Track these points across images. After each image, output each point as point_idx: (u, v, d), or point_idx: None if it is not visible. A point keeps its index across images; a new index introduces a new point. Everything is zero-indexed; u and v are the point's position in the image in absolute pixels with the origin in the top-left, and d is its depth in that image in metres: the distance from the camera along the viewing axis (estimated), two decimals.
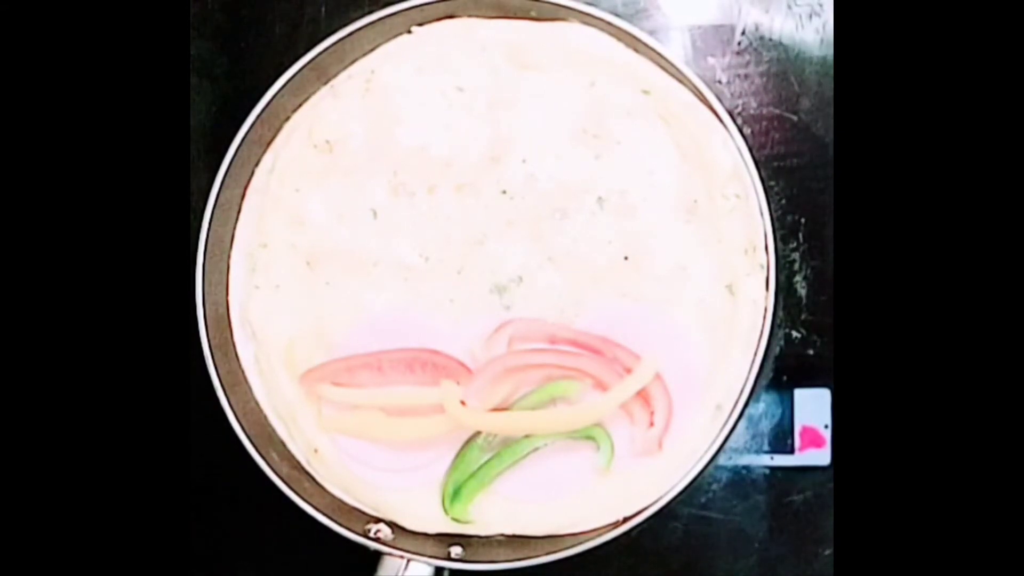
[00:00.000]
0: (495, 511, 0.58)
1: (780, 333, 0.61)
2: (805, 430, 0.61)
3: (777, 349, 0.61)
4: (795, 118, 0.62)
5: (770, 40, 0.63)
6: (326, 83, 0.61)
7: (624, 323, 0.58)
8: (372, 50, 0.61)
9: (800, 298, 0.62)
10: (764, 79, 0.62)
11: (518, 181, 0.59)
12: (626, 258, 0.58)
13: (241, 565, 0.64)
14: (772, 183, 0.61)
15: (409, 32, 0.61)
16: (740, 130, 0.58)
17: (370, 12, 0.59)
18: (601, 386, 0.57)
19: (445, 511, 0.58)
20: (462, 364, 0.57)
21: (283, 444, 0.61)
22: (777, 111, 0.62)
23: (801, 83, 0.62)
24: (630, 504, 0.57)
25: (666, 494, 0.57)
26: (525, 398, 0.57)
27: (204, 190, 0.59)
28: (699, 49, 0.63)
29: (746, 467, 0.62)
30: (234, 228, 0.62)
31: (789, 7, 0.62)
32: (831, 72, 0.61)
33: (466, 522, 0.58)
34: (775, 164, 0.61)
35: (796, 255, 0.61)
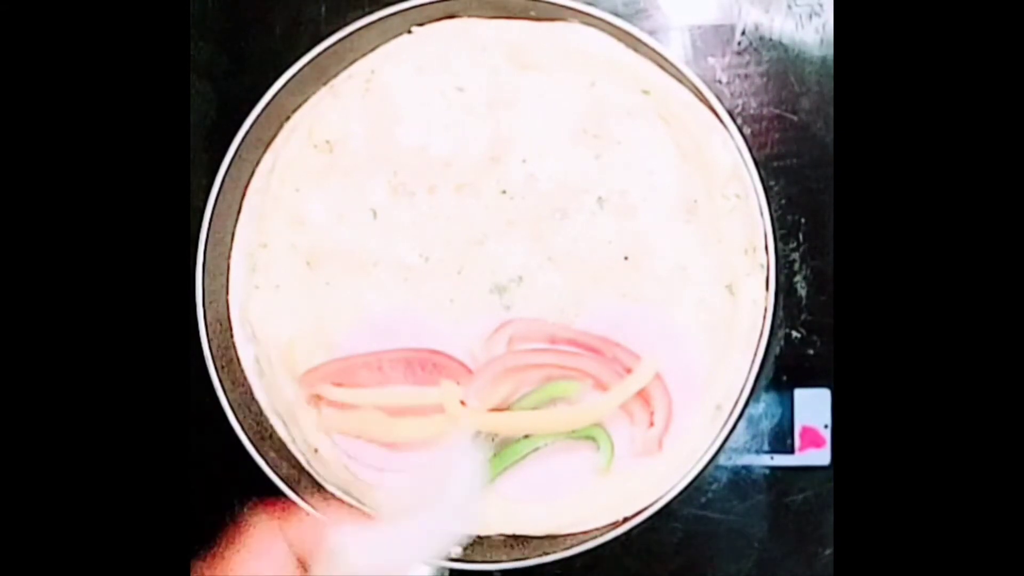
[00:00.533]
0: (495, 511, 0.58)
1: (780, 333, 0.61)
2: (805, 430, 0.61)
3: (777, 349, 0.61)
4: (795, 118, 0.62)
5: (770, 40, 0.63)
6: (326, 83, 0.61)
7: (624, 323, 0.58)
8: (372, 50, 0.61)
9: (800, 298, 0.61)
10: (764, 79, 0.62)
11: (518, 181, 0.59)
12: (626, 258, 0.58)
13: None
14: (772, 183, 0.61)
15: (409, 32, 0.61)
16: (740, 130, 0.58)
17: (370, 12, 0.59)
18: (601, 386, 0.57)
19: None
20: (462, 364, 0.57)
21: (283, 444, 0.61)
22: (777, 111, 0.62)
23: (801, 83, 0.62)
24: (630, 504, 0.57)
25: (666, 494, 0.57)
26: (525, 398, 0.57)
27: (204, 190, 0.59)
28: (699, 49, 0.62)
29: (746, 467, 0.62)
30: (234, 228, 0.62)
31: (789, 7, 0.62)
32: (831, 72, 0.61)
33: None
34: (775, 164, 0.61)
35: (796, 255, 0.61)
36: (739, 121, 0.59)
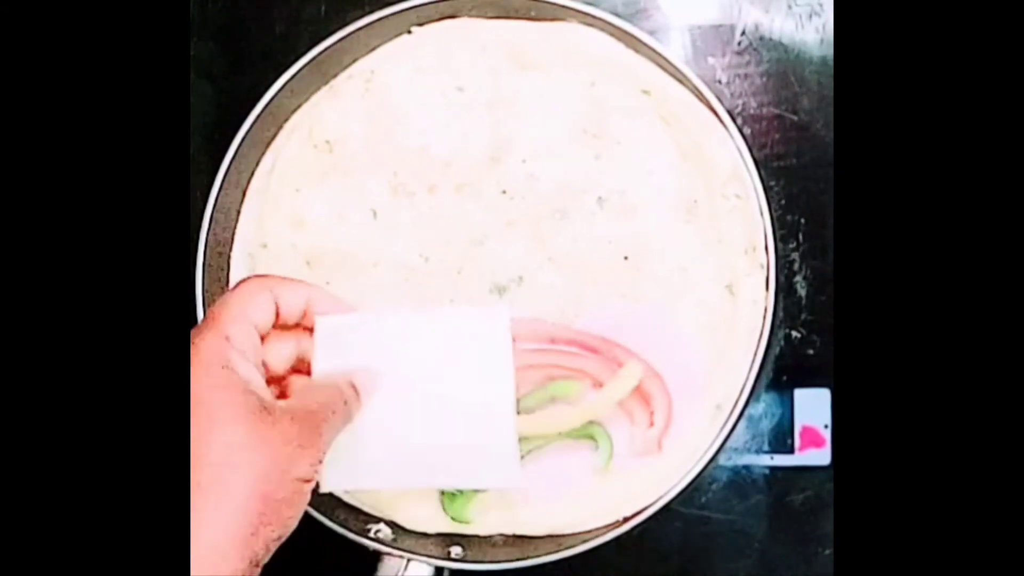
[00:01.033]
0: (495, 511, 0.58)
1: (780, 333, 0.61)
2: (805, 430, 0.61)
3: (777, 349, 0.61)
4: (795, 118, 0.62)
5: (770, 40, 0.63)
6: (326, 83, 0.61)
7: (624, 323, 0.58)
8: (372, 50, 0.61)
9: (800, 298, 0.62)
10: (764, 79, 0.62)
11: (518, 181, 0.59)
12: (626, 258, 0.58)
13: None
14: (772, 183, 0.61)
15: (409, 32, 0.61)
16: (740, 130, 0.58)
17: (370, 12, 0.59)
18: (600, 386, 0.57)
19: (445, 511, 0.58)
20: None
21: None
22: (777, 111, 0.62)
23: (801, 83, 0.62)
24: (630, 504, 0.57)
25: (666, 494, 0.57)
26: (525, 398, 0.57)
27: (204, 190, 0.59)
28: (699, 49, 0.62)
29: (746, 467, 0.62)
30: (234, 228, 0.62)
31: (789, 7, 0.62)
32: (831, 72, 0.61)
33: (466, 522, 0.58)
34: (775, 164, 0.61)
35: (796, 255, 0.61)
36: (739, 121, 0.59)
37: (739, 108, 0.62)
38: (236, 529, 0.42)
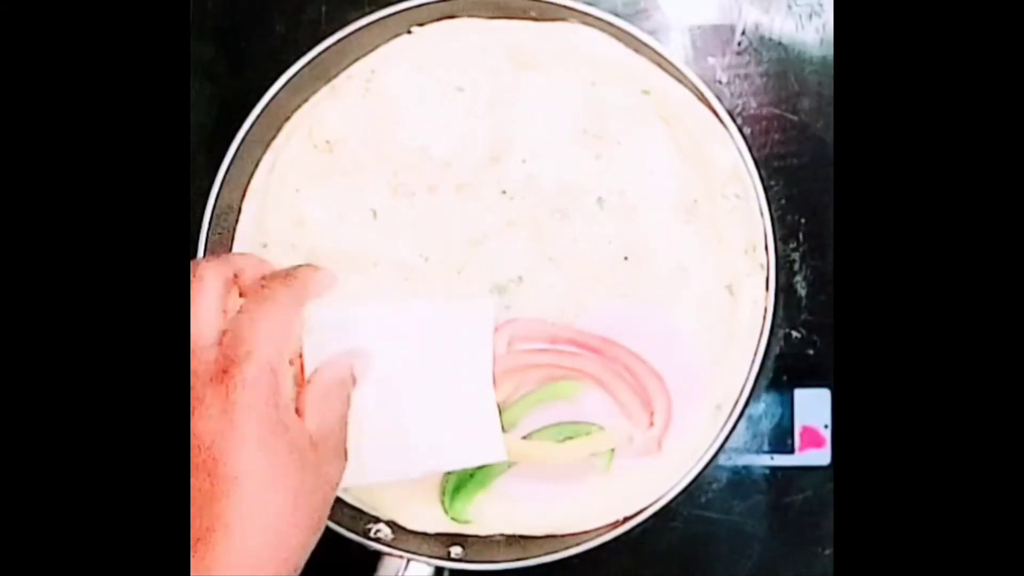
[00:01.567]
0: (495, 511, 0.58)
1: (780, 333, 0.61)
2: (805, 430, 0.61)
3: (777, 349, 0.61)
4: (795, 118, 0.62)
5: (770, 40, 0.63)
6: (326, 83, 0.61)
7: (624, 323, 0.58)
8: (372, 50, 0.61)
9: (800, 298, 0.62)
10: (764, 79, 0.62)
11: (518, 181, 0.59)
12: (626, 258, 0.58)
13: None
14: (772, 183, 0.61)
15: (409, 32, 0.61)
16: (740, 130, 0.58)
17: (370, 12, 0.59)
18: (601, 385, 0.57)
19: (445, 511, 0.58)
20: None
21: None
22: (777, 111, 0.62)
23: (801, 83, 0.62)
24: (630, 504, 0.57)
25: (666, 494, 0.57)
26: (525, 398, 0.57)
27: (204, 191, 0.59)
28: (699, 49, 0.63)
29: (746, 467, 0.62)
30: (234, 228, 0.62)
31: (789, 7, 0.62)
32: (831, 72, 0.61)
33: (466, 522, 0.58)
34: (775, 164, 0.61)
35: (796, 255, 0.61)
36: (739, 121, 0.59)
37: (739, 108, 0.62)
38: (277, 544, 0.44)
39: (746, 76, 0.62)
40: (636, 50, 0.59)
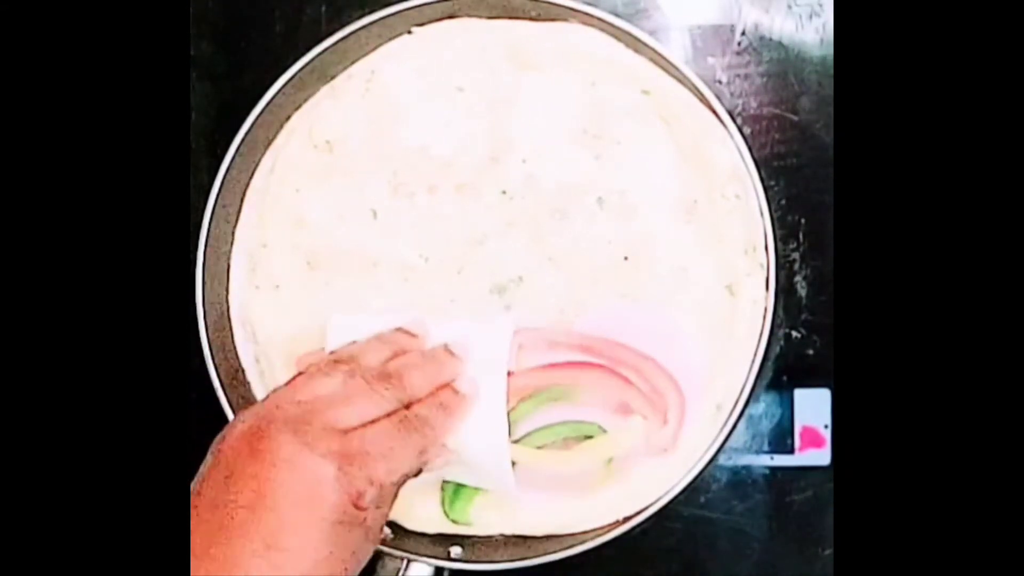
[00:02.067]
0: (495, 511, 0.58)
1: (780, 333, 0.61)
2: (805, 430, 0.61)
3: (777, 349, 0.61)
4: (795, 118, 0.62)
5: (770, 40, 0.63)
6: (326, 83, 0.61)
7: (624, 323, 0.58)
8: (372, 50, 0.61)
9: (800, 298, 0.61)
10: (764, 79, 0.62)
11: (518, 181, 0.59)
12: (626, 258, 0.58)
13: None
14: (772, 183, 0.60)
15: (409, 32, 0.61)
16: (740, 130, 0.58)
17: (370, 12, 0.59)
18: (610, 388, 0.57)
19: (445, 513, 0.58)
20: None
21: None
22: (777, 111, 0.62)
23: (801, 83, 0.62)
24: (630, 504, 0.57)
25: (666, 494, 0.57)
26: (525, 401, 0.57)
27: (204, 190, 0.59)
28: (699, 49, 0.62)
29: (746, 467, 0.62)
30: (234, 228, 0.62)
31: (789, 7, 0.62)
32: (831, 72, 0.61)
33: (466, 523, 0.58)
34: (775, 164, 0.61)
35: (796, 255, 0.61)
36: (739, 121, 0.59)
37: (739, 108, 0.62)
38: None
39: (746, 76, 0.62)
40: (636, 50, 0.59)
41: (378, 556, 0.57)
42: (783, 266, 0.60)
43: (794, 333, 0.61)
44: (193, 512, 0.43)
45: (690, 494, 0.57)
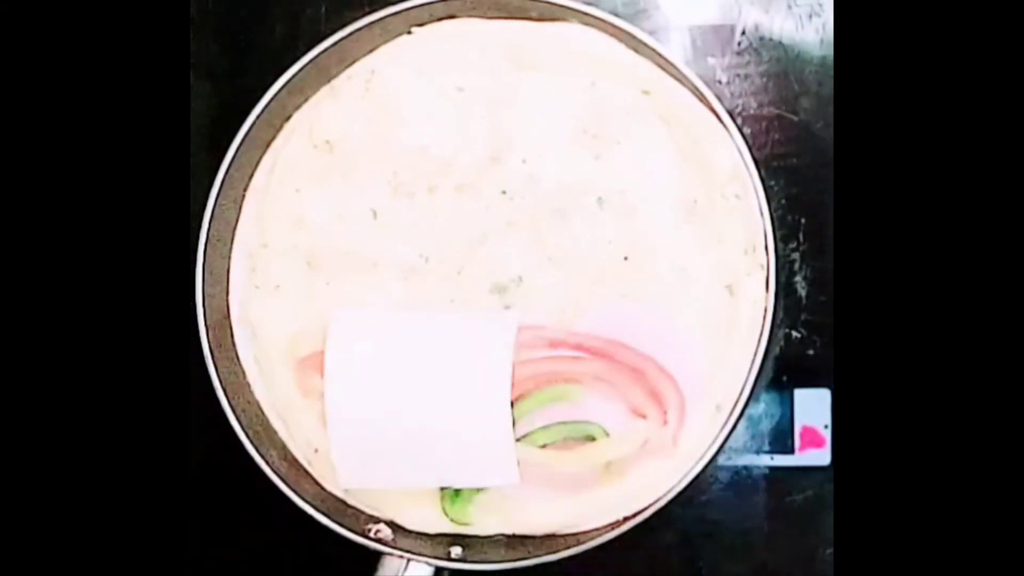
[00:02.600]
0: (495, 511, 0.58)
1: (780, 333, 0.61)
2: (805, 430, 0.61)
3: (777, 349, 0.61)
4: (795, 118, 0.62)
5: (770, 40, 0.63)
6: (326, 83, 0.61)
7: (624, 323, 0.58)
8: (372, 50, 0.61)
9: (800, 298, 0.61)
10: (764, 79, 0.62)
11: (518, 181, 0.59)
12: (626, 258, 0.58)
13: (241, 565, 0.64)
14: (772, 183, 0.60)
15: (409, 32, 0.61)
16: (740, 130, 0.58)
17: (370, 12, 0.59)
18: (609, 388, 0.57)
19: (445, 513, 0.58)
20: None
21: (283, 444, 0.61)
22: (777, 111, 0.62)
23: (801, 83, 0.62)
24: (630, 504, 0.57)
25: (666, 494, 0.57)
26: (524, 400, 0.57)
27: (204, 190, 0.59)
28: (699, 49, 0.62)
29: (746, 467, 0.62)
30: (234, 228, 0.62)
31: (789, 7, 0.62)
32: (831, 72, 0.61)
33: (466, 523, 0.58)
34: (775, 164, 0.61)
35: (796, 255, 0.61)
36: (739, 121, 0.59)
37: (739, 108, 0.62)
38: None
39: (746, 76, 0.62)
40: (636, 50, 0.59)
41: (378, 556, 0.57)
42: (783, 266, 0.60)
43: (794, 333, 0.61)
44: None
45: (690, 494, 0.57)
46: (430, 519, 0.59)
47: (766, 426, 0.62)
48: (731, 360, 0.57)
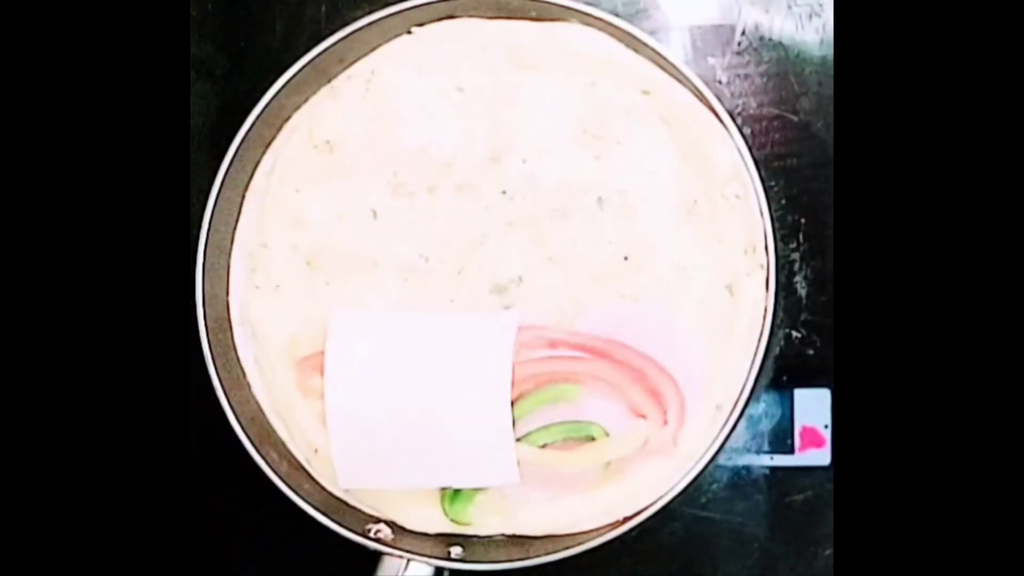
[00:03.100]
0: (495, 511, 0.58)
1: (780, 333, 0.61)
2: (805, 430, 0.61)
3: (777, 349, 0.61)
4: (795, 118, 0.62)
5: (770, 40, 0.63)
6: (326, 83, 0.61)
7: (624, 323, 0.58)
8: (372, 50, 0.61)
9: (800, 298, 0.62)
10: (764, 79, 0.62)
11: (518, 181, 0.59)
12: (626, 258, 0.58)
13: (241, 565, 0.64)
14: (772, 183, 0.61)
15: (409, 32, 0.61)
16: (740, 130, 0.58)
17: (370, 12, 0.59)
18: (610, 388, 0.57)
19: (445, 513, 0.58)
20: None
21: (283, 444, 0.61)
22: (777, 111, 0.62)
23: (801, 83, 0.62)
24: (630, 504, 0.57)
25: (666, 494, 0.57)
26: (524, 400, 0.57)
27: (204, 190, 0.59)
28: (699, 49, 0.62)
29: (746, 467, 0.62)
30: (234, 228, 0.62)
31: (789, 7, 0.62)
32: (831, 72, 0.61)
33: (466, 523, 0.58)
34: (775, 164, 0.61)
35: (796, 255, 0.61)
36: (739, 121, 0.59)
37: (739, 108, 0.62)
38: None
39: (746, 76, 0.62)
40: (636, 50, 0.59)
41: (378, 556, 0.57)
42: (783, 266, 0.60)
43: (794, 333, 0.61)
44: None
45: (690, 494, 0.57)
46: (430, 519, 0.59)
47: (766, 426, 0.62)
48: (731, 360, 0.57)
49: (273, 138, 0.62)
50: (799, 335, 0.61)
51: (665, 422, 0.57)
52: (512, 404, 0.56)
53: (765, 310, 0.58)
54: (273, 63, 0.60)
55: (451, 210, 0.59)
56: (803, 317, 0.61)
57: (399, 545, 0.58)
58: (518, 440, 0.56)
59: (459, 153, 0.59)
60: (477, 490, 0.58)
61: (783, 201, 0.61)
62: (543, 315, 0.58)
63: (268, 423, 0.61)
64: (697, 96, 0.58)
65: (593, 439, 0.57)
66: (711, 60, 0.62)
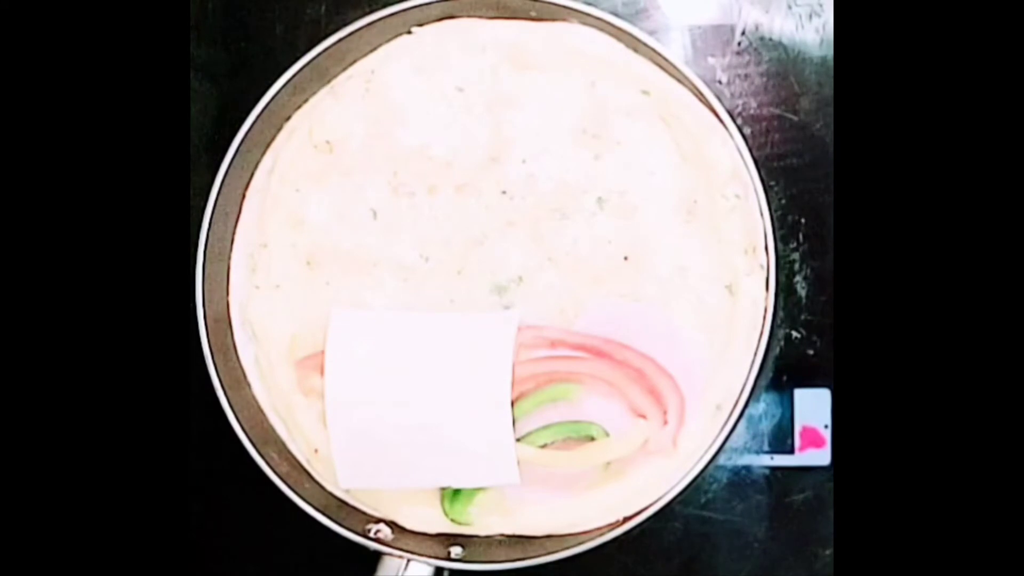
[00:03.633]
0: (495, 511, 0.58)
1: (780, 333, 0.61)
2: (805, 430, 0.61)
3: (777, 349, 0.61)
4: (795, 118, 0.62)
5: (770, 40, 0.63)
6: (326, 83, 0.61)
7: (624, 323, 0.58)
8: (372, 50, 0.61)
9: (800, 298, 0.62)
10: (764, 79, 0.62)
11: (518, 181, 0.59)
12: (626, 258, 0.58)
13: (241, 565, 0.64)
14: (772, 183, 0.61)
15: (409, 32, 0.61)
16: (740, 130, 0.58)
17: (370, 12, 0.59)
18: (610, 387, 0.57)
19: (445, 513, 0.58)
20: None
21: (283, 444, 0.61)
22: (777, 111, 0.62)
23: (801, 83, 0.62)
24: (630, 504, 0.57)
25: (666, 494, 0.57)
26: (524, 400, 0.57)
27: (204, 190, 0.59)
28: (699, 49, 0.62)
29: (746, 467, 0.62)
30: (234, 228, 0.62)
31: (789, 7, 0.62)
32: (831, 72, 0.61)
33: (466, 523, 0.58)
34: (775, 164, 0.61)
35: (796, 255, 0.61)
36: (739, 121, 0.59)
37: (739, 108, 0.62)
38: None
39: (746, 76, 0.62)
40: (636, 50, 0.59)
41: (378, 556, 0.57)
42: (783, 266, 0.60)
43: (794, 333, 0.61)
44: None
45: (690, 494, 0.57)
46: (430, 519, 0.59)
47: (766, 426, 0.62)
48: (731, 360, 0.57)
49: (273, 138, 0.62)
50: (799, 335, 0.61)
51: (665, 422, 0.57)
52: (512, 404, 0.56)
53: (765, 310, 0.58)
54: (273, 63, 0.60)
55: (451, 210, 0.59)
56: (803, 317, 0.61)
57: (399, 545, 0.58)
58: (518, 440, 0.56)
59: (459, 153, 0.59)
60: (477, 490, 0.58)
61: (783, 201, 0.61)
62: (543, 315, 0.58)
63: (268, 423, 0.61)
64: (697, 96, 0.58)
65: (593, 439, 0.57)
66: (711, 60, 0.62)
